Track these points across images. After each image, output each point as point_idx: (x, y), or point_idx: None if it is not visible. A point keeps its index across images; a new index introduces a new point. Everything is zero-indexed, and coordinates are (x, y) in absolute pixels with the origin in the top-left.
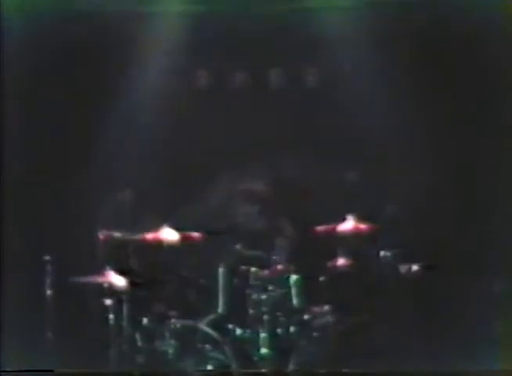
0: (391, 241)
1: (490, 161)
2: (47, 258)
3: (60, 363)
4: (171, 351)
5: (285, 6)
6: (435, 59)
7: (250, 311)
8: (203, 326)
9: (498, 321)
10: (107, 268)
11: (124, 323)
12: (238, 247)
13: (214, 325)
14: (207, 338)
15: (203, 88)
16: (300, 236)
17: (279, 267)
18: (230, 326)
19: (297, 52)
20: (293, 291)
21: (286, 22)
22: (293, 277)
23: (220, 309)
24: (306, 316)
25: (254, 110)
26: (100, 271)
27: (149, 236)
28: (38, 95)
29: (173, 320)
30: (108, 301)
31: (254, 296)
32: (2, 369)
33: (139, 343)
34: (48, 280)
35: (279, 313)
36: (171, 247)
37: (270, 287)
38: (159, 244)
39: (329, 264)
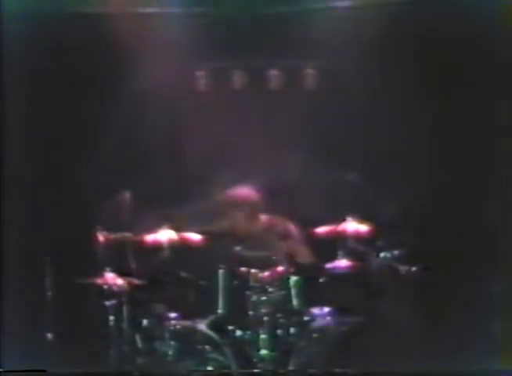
0: (391, 242)
1: (490, 161)
2: (47, 258)
3: (60, 363)
4: (170, 352)
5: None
6: (436, 59)
7: (250, 312)
8: (203, 327)
9: (498, 321)
10: (107, 269)
11: (124, 325)
12: (238, 248)
13: (213, 326)
14: (206, 339)
15: (203, 89)
16: (301, 236)
17: (279, 268)
18: (230, 327)
19: (297, 52)
20: (293, 292)
21: (286, 22)
22: (293, 278)
23: (220, 310)
24: (306, 318)
25: (254, 110)
26: (100, 272)
27: (149, 237)
28: (38, 96)
29: (173, 322)
30: (108, 303)
31: (254, 297)
32: (2, 369)
33: (139, 344)
34: (47, 281)
35: (279, 314)
36: (170, 249)
37: (270, 289)
38: (159, 245)
39: (329, 265)
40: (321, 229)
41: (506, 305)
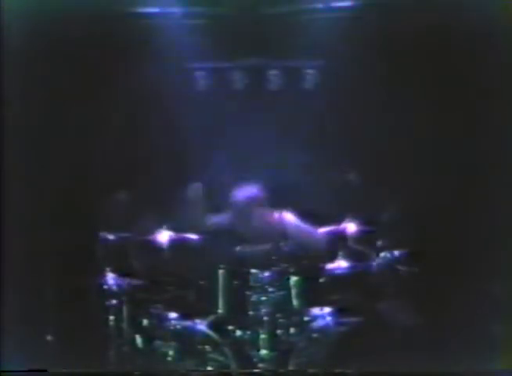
0: (392, 242)
1: (491, 162)
2: (47, 258)
3: (60, 363)
4: (170, 352)
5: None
6: (436, 59)
7: (250, 312)
8: (203, 327)
9: (498, 321)
10: (107, 269)
11: (124, 325)
12: (238, 248)
13: (213, 326)
14: (206, 340)
15: (203, 89)
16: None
17: (279, 268)
18: (230, 327)
19: (297, 52)
20: (293, 292)
21: (286, 22)
22: (293, 278)
23: (220, 310)
24: (306, 318)
25: (254, 110)
26: (100, 272)
27: (149, 237)
28: (38, 96)
29: (173, 322)
30: (108, 303)
31: (254, 297)
32: (2, 369)
33: (139, 344)
34: (47, 281)
35: (278, 314)
36: (170, 249)
37: (270, 289)
38: (159, 246)
39: (329, 265)
40: (321, 230)
41: (506, 306)
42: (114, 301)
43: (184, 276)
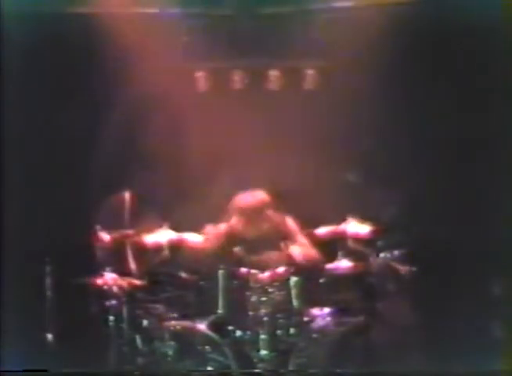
0: (392, 242)
1: (491, 162)
2: (46, 259)
3: (60, 363)
4: (170, 352)
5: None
6: (436, 59)
7: (250, 312)
8: (203, 327)
9: (498, 321)
10: (107, 269)
11: (124, 325)
12: (238, 249)
13: (213, 326)
14: (206, 340)
15: (203, 89)
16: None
17: (280, 269)
18: (230, 327)
19: (297, 52)
20: (294, 292)
21: (286, 22)
22: (294, 279)
23: (220, 311)
24: (306, 318)
25: (254, 110)
26: (100, 273)
27: (149, 237)
28: (38, 96)
29: (173, 322)
30: (108, 303)
31: (254, 298)
32: (2, 369)
33: (139, 344)
34: (47, 282)
35: (278, 315)
36: (170, 249)
37: (270, 289)
38: (159, 246)
39: (330, 266)
40: (321, 230)
41: (506, 306)
42: (114, 301)
43: (184, 277)
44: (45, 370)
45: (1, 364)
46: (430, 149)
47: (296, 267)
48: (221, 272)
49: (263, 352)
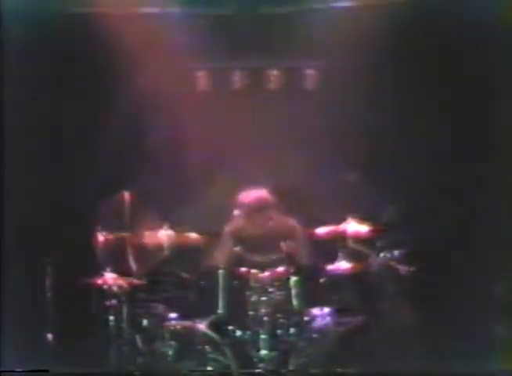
0: (392, 242)
1: (491, 162)
2: (47, 259)
3: (60, 363)
4: (170, 352)
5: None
6: (436, 59)
7: (250, 312)
8: (203, 327)
9: (498, 321)
10: (107, 269)
11: (124, 325)
12: (238, 249)
13: (213, 326)
14: (206, 340)
15: (203, 89)
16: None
17: (280, 269)
18: (230, 327)
19: (297, 52)
20: (293, 292)
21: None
22: (293, 279)
23: (220, 311)
24: (306, 318)
25: (254, 110)
26: (100, 273)
27: (149, 237)
28: (38, 96)
29: (173, 322)
30: (108, 303)
31: (254, 298)
32: (2, 369)
33: (139, 344)
34: (47, 282)
35: (278, 315)
36: (170, 249)
37: (270, 289)
38: (159, 246)
39: (330, 265)
40: (321, 230)
41: (506, 305)
42: (114, 301)
43: (184, 276)
44: (46, 370)
45: (1, 364)
46: (430, 149)
47: (296, 267)
48: (221, 272)
49: (263, 352)
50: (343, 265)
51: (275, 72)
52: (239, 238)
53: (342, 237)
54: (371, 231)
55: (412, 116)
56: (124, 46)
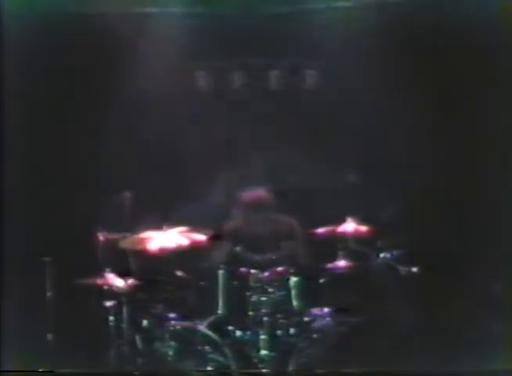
0: (391, 243)
1: (491, 162)
2: (47, 259)
3: (60, 363)
4: (170, 352)
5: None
6: (436, 59)
7: (250, 313)
8: (203, 327)
9: (498, 321)
10: (107, 270)
11: (124, 325)
12: (238, 248)
13: (213, 327)
14: (206, 340)
15: (203, 89)
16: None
17: (279, 269)
18: (230, 327)
19: (297, 52)
20: (293, 292)
21: (286, 22)
22: (293, 279)
23: (220, 311)
24: (306, 318)
25: (254, 110)
26: (100, 273)
27: (149, 237)
28: (38, 96)
29: (173, 322)
30: (108, 303)
31: (254, 298)
32: (2, 369)
33: (139, 344)
34: (47, 282)
35: (278, 315)
36: (170, 249)
37: (270, 289)
38: (159, 246)
39: (330, 266)
40: (321, 230)
41: (506, 305)
42: (114, 301)
43: (184, 276)
44: (46, 371)
45: (1, 364)
46: (430, 148)
47: (296, 267)
48: (221, 272)
49: (263, 352)
50: (343, 265)
51: (275, 72)
52: (238, 237)
53: (342, 237)
54: (371, 231)
55: (413, 115)
56: (124, 46)
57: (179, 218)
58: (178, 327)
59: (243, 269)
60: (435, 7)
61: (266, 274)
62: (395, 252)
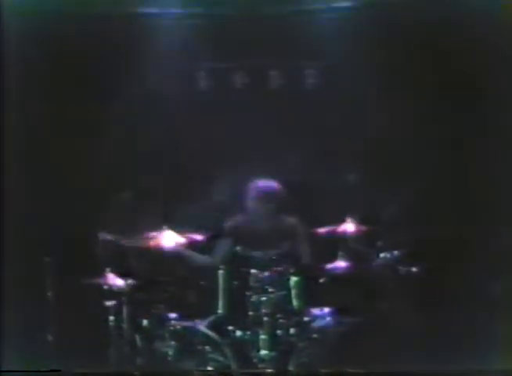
0: (392, 243)
1: (491, 162)
2: (47, 259)
3: (60, 363)
4: (171, 352)
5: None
6: (436, 59)
7: (250, 312)
8: (203, 327)
9: (498, 321)
10: (107, 270)
11: (124, 325)
12: (238, 248)
13: (213, 326)
14: (206, 340)
15: (203, 89)
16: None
17: (279, 269)
18: (230, 327)
19: (297, 52)
20: (293, 292)
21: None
22: (293, 279)
23: (220, 311)
24: (306, 318)
25: (254, 110)
26: (100, 273)
27: (149, 237)
28: (38, 96)
29: (173, 322)
30: (108, 303)
31: (254, 298)
32: (2, 369)
33: (139, 344)
34: (48, 282)
35: (279, 315)
36: (170, 249)
37: (270, 289)
38: (159, 246)
39: (330, 266)
40: (321, 230)
41: (506, 305)
42: (114, 301)
43: (184, 276)
44: (46, 371)
45: (1, 364)
46: (430, 148)
47: (296, 267)
48: (221, 272)
49: (263, 352)
50: (343, 265)
51: (275, 72)
52: (239, 234)
53: (342, 237)
54: (371, 231)
55: (413, 115)
56: (124, 46)
57: (179, 217)
58: (178, 327)
59: (243, 269)
60: (435, 7)
61: (266, 274)
62: (395, 252)
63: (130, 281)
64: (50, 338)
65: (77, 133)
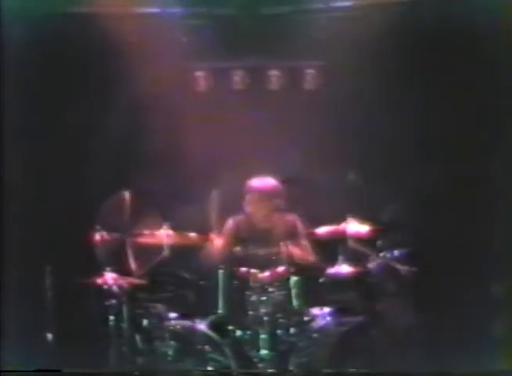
0: (392, 242)
1: (491, 162)
2: (47, 259)
3: (60, 363)
4: (170, 352)
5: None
6: (436, 59)
7: (250, 312)
8: (203, 327)
9: (498, 322)
10: (106, 269)
11: (124, 325)
12: (238, 248)
13: (213, 326)
14: (206, 340)
15: (202, 89)
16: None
17: (280, 268)
18: (230, 327)
19: (297, 52)
20: (294, 292)
21: (286, 22)
22: (293, 278)
23: (220, 310)
24: (306, 318)
25: (254, 110)
26: (100, 272)
27: (149, 237)
28: (38, 96)
29: (173, 322)
30: (107, 303)
31: (254, 297)
32: (2, 369)
33: (139, 344)
34: (47, 282)
35: (279, 315)
36: (170, 249)
37: (270, 289)
38: (159, 246)
39: (330, 265)
40: (322, 230)
41: (506, 305)
42: (114, 301)
43: (184, 276)
44: (46, 370)
45: (1, 364)
46: (430, 148)
47: (296, 267)
48: (221, 271)
49: (263, 352)
50: (343, 265)
51: (275, 72)
52: (240, 233)
53: (342, 237)
54: (371, 231)
55: (413, 115)
56: (123, 46)
57: (179, 217)
58: (178, 327)
59: (243, 269)
60: (436, 7)
61: (266, 274)
62: (395, 252)
63: (130, 281)
64: (50, 337)
65: (76, 133)
